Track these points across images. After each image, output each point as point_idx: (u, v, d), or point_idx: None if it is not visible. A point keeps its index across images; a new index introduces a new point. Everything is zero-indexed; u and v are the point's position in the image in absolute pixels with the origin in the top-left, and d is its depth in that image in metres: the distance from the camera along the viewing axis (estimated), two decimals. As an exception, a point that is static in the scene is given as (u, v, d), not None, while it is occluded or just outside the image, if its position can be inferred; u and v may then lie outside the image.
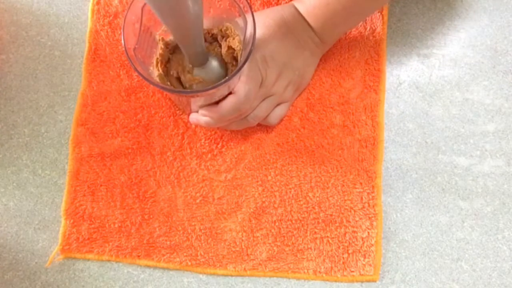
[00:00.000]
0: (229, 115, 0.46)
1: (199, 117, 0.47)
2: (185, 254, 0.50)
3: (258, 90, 0.46)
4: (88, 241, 0.50)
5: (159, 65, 0.45)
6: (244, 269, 0.50)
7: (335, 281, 0.50)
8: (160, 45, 0.45)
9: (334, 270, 0.50)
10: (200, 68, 0.45)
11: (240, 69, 0.40)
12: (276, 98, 0.49)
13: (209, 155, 0.52)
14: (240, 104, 0.45)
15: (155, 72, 0.46)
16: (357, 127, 0.52)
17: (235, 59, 0.46)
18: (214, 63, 0.45)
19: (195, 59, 0.44)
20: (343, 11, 0.46)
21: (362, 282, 0.50)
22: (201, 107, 0.47)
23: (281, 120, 0.52)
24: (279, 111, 0.50)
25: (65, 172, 0.52)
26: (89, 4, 0.55)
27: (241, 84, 0.45)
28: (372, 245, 0.50)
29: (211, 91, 0.41)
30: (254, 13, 0.42)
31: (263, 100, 0.48)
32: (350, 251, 0.50)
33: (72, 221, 0.51)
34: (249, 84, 0.45)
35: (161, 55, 0.45)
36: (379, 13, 0.54)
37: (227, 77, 0.40)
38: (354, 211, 0.51)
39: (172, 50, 0.46)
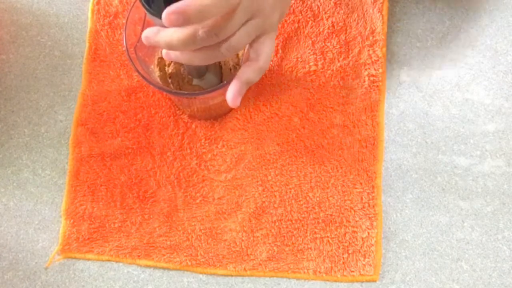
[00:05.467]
0: (213, 6, 0.32)
1: (175, 20, 0.32)
2: (185, 254, 0.50)
3: None
4: (88, 241, 0.50)
5: (160, 64, 0.45)
6: (244, 269, 0.50)
7: (335, 281, 0.50)
8: None
9: (334, 270, 0.50)
10: (199, 79, 0.46)
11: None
12: (259, 23, 0.37)
13: (209, 155, 0.52)
14: None
15: (156, 71, 0.46)
16: (357, 127, 0.52)
17: (237, 63, 0.46)
18: (211, 74, 0.46)
19: (196, 72, 0.44)
20: None
21: (362, 282, 0.50)
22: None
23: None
24: (270, 47, 0.39)
25: (65, 172, 0.52)
26: (89, 4, 0.55)
27: None
28: (372, 245, 0.50)
29: (210, 94, 0.41)
30: None
31: (244, 24, 0.36)
32: (350, 251, 0.50)
33: (72, 221, 0.51)
34: None
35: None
36: (379, 13, 0.54)
37: (225, 81, 0.41)
38: (354, 211, 0.51)
39: None
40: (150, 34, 0.36)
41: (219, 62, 0.47)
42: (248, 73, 0.39)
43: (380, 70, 0.53)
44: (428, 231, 0.51)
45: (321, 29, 0.54)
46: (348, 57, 0.54)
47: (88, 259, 0.50)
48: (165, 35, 0.34)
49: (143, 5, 0.34)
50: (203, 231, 0.51)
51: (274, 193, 0.51)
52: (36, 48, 0.55)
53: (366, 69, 0.53)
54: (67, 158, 0.52)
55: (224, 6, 0.33)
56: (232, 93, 0.39)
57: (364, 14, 0.54)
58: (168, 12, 0.31)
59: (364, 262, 0.50)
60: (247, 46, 0.40)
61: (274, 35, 0.40)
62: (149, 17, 0.35)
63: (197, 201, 0.51)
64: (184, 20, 0.32)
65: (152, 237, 0.51)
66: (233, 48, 0.36)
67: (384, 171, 0.52)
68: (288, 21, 0.54)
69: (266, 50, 0.39)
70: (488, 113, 0.53)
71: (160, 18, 0.33)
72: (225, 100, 0.47)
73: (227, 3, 0.33)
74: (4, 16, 0.55)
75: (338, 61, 0.54)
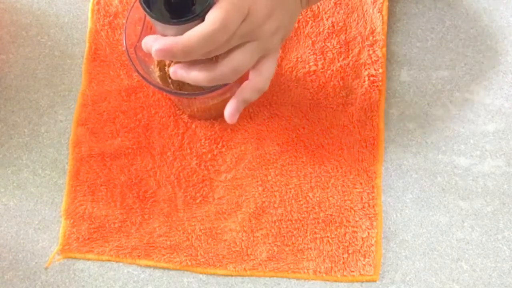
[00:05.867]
0: (199, 47, 0.34)
1: (162, 56, 0.36)
2: (185, 254, 0.50)
3: (238, 23, 0.35)
4: (88, 241, 0.50)
5: (160, 64, 0.45)
6: (244, 269, 0.50)
7: (335, 281, 0.50)
8: None
9: (334, 270, 0.50)
10: None
11: None
12: (260, 45, 0.37)
13: (209, 155, 0.52)
14: (214, 32, 0.33)
15: (156, 71, 0.46)
16: (357, 127, 0.52)
17: None
18: None
19: None
20: None
21: (362, 282, 0.50)
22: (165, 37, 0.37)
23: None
24: (270, 69, 0.39)
25: (65, 172, 0.52)
26: (89, 4, 0.55)
27: (215, 9, 0.34)
28: (372, 245, 0.50)
29: (210, 94, 0.41)
30: None
31: (244, 45, 0.37)
32: (350, 251, 0.50)
33: (72, 221, 0.51)
34: (227, 10, 0.34)
35: None
36: (379, 13, 0.54)
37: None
38: (354, 211, 0.51)
39: None
40: (149, 41, 0.37)
41: None
42: (246, 92, 0.39)
43: (380, 70, 0.53)
44: (428, 231, 0.51)
45: (321, 29, 0.54)
46: (348, 57, 0.54)
47: (88, 259, 0.50)
48: (161, 48, 0.35)
49: (144, 9, 0.34)
50: (203, 231, 0.51)
51: (274, 193, 0.51)
52: (36, 48, 0.55)
53: (366, 69, 0.53)
54: (67, 158, 0.52)
55: (209, 46, 0.34)
56: (229, 111, 0.39)
57: (364, 14, 0.54)
58: (156, 48, 0.34)
59: (364, 262, 0.50)
60: None
61: (276, 56, 0.40)
62: (150, 20, 0.35)
63: (197, 201, 0.51)
64: (171, 57, 0.35)
65: (152, 237, 0.51)
66: (235, 69, 0.37)
67: (384, 171, 0.52)
68: (288, 21, 0.54)
69: (266, 71, 0.39)
70: (488, 113, 0.53)
71: (160, 22, 0.33)
72: (225, 100, 0.47)
73: (212, 43, 0.34)
74: (4, 16, 0.55)
75: (338, 61, 0.54)
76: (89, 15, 0.55)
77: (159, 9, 0.34)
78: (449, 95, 0.54)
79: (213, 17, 0.33)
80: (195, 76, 0.38)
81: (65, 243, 0.50)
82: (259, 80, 0.39)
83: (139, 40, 0.42)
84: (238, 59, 0.37)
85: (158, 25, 0.35)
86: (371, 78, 0.53)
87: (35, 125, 0.53)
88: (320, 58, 0.54)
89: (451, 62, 0.54)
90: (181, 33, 0.34)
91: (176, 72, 0.38)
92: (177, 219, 0.51)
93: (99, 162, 0.52)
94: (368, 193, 0.51)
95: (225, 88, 0.41)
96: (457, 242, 0.51)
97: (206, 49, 0.35)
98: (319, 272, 0.50)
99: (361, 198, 0.51)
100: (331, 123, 0.53)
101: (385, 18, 0.54)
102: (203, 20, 0.34)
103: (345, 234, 0.50)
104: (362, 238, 0.50)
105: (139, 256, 0.50)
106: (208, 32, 0.33)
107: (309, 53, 0.54)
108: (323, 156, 0.52)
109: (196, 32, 0.34)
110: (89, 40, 0.54)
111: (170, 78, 0.47)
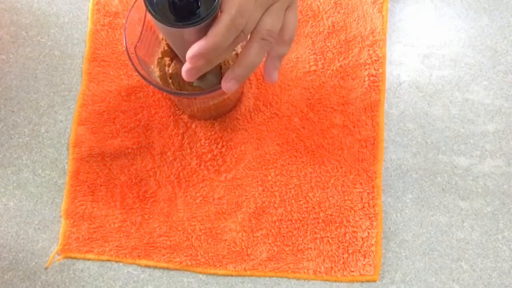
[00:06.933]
0: (225, 39, 0.36)
1: (198, 62, 0.37)
2: (185, 254, 0.50)
3: (253, 1, 0.36)
4: (88, 241, 0.50)
5: (160, 64, 0.45)
6: (244, 269, 0.50)
7: (335, 281, 0.50)
8: (164, 44, 0.45)
9: (334, 270, 0.50)
10: (199, 80, 0.45)
11: None
12: (282, 4, 0.39)
13: (209, 155, 0.52)
14: (234, 20, 0.35)
15: (156, 71, 0.46)
16: (357, 127, 0.52)
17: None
18: (212, 74, 0.46)
19: None
20: None
21: (362, 282, 0.50)
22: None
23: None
24: (293, 19, 0.41)
25: (65, 172, 0.52)
26: (89, 4, 0.55)
27: None
28: (372, 245, 0.50)
29: (210, 94, 0.41)
30: None
31: (269, 9, 0.38)
32: (350, 251, 0.50)
33: (72, 221, 0.51)
34: None
35: (163, 53, 0.45)
36: (379, 13, 0.54)
37: None
38: (354, 211, 0.51)
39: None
40: (191, 70, 0.37)
41: (219, 63, 0.47)
42: (278, 47, 0.40)
43: (380, 70, 0.53)
44: (428, 231, 0.51)
45: (321, 29, 0.54)
46: (348, 57, 0.54)
47: (88, 259, 0.50)
48: (201, 61, 0.36)
49: (149, 11, 0.33)
50: (203, 231, 0.51)
51: (274, 193, 0.51)
52: (36, 48, 0.55)
53: (366, 69, 0.53)
54: (67, 158, 0.52)
55: (234, 33, 0.35)
56: (267, 71, 0.41)
57: (364, 14, 0.54)
58: (188, 56, 0.35)
59: (364, 262, 0.50)
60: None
61: (295, 6, 0.41)
62: (155, 22, 0.34)
63: (197, 201, 0.51)
64: (205, 59, 0.35)
65: (152, 237, 0.51)
66: (271, 30, 0.38)
67: (384, 171, 0.52)
68: (288, 21, 0.54)
69: (291, 23, 0.40)
70: (488, 113, 0.53)
71: (165, 24, 0.33)
72: (225, 100, 0.47)
73: (236, 30, 0.35)
74: (4, 16, 0.55)
75: (338, 61, 0.54)
76: (89, 15, 0.55)
77: (164, 12, 0.34)
78: (449, 95, 0.54)
79: (228, 5, 0.35)
80: (252, 59, 0.38)
81: (65, 243, 0.50)
82: (285, 32, 0.40)
83: (139, 40, 0.42)
84: (269, 21, 0.38)
85: (163, 28, 0.35)
86: (371, 78, 0.53)
87: (35, 125, 0.53)
88: (320, 58, 0.54)
89: (451, 62, 0.54)
90: (187, 37, 0.35)
91: (236, 75, 0.39)
92: (177, 219, 0.51)
93: (99, 162, 0.52)
94: (368, 193, 0.51)
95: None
96: (457, 242, 0.51)
97: (232, 37, 0.36)
98: (319, 272, 0.50)
99: (361, 198, 0.51)
100: (331, 123, 0.53)
101: (385, 18, 0.54)
102: (209, 23, 0.34)
103: (345, 234, 0.50)
104: (362, 238, 0.50)
105: (139, 256, 0.50)
106: (229, 21, 0.34)
107: (309, 53, 0.54)
108: (323, 156, 0.52)
109: (219, 25, 0.35)
110: (89, 40, 0.54)
111: (170, 78, 0.47)
